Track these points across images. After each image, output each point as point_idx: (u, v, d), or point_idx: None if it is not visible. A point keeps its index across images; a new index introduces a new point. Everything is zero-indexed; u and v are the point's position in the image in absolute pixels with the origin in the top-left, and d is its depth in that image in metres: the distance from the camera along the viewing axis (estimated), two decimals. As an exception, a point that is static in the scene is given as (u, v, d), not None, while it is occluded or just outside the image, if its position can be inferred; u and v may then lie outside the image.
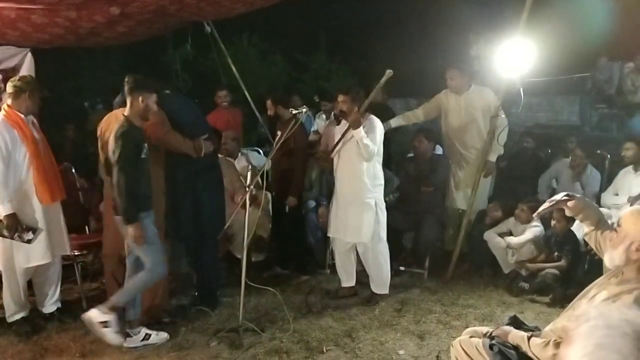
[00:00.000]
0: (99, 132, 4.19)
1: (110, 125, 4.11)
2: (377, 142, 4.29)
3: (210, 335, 3.91)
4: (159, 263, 3.67)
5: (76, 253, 4.47)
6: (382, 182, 4.47)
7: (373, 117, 4.38)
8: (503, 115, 4.98)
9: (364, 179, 4.32)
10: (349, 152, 4.35)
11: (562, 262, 4.64)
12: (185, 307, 4.43)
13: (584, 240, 2.95)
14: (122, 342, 3.64)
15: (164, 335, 3.84)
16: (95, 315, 3.51)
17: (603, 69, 8.96)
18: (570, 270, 4.64)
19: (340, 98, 4.34)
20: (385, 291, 4.55)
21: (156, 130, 3.98)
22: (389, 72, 4.26)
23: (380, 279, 4.54)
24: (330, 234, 4.63)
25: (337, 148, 4.41)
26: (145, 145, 3.65)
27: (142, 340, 3.74)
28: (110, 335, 3.53)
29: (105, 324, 3.51)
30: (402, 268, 5.18)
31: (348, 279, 4.66)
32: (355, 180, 4.35)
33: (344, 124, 4.36)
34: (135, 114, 3.63)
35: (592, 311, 1.93)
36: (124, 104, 4.12)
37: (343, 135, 4.36)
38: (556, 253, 4.73)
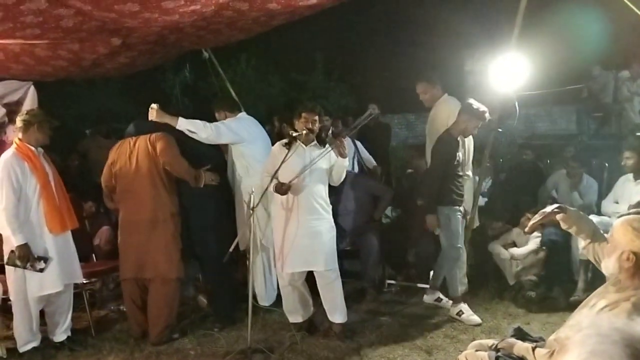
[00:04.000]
0: (109, 161, 4.29)
1: (122, 154, 4.22)
2: None
3: (219, 358, 3.92)
4: (452, 247, 4.45)
5: (84, 281, 4.51)
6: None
7: None
8: (500, 130, 5.03)
9: (320, 201, 4.10)
10: (312, 180, 4.06)
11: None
12: (195, 329, 4.45)
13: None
14: (479, 321, 4.37)
15: (474, 318, 4.40)
16: (453, 311, 4.47)
17: (597, 78, 9.06)
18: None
19: (312, 116, 4.11)
20: (344, 319, 4.18)
21: (165, 153, 4.16)
22: (372, 110, 4.06)
23: (339, 306, 4.16)
24: (288, 269, 4.09)
25: (300, 176, 4.00)
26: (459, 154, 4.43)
27: (457, 314, 4.45)
28: (468, 318, 4.38)
29: (459, 313, 4.42)
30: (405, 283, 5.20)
31: (309, 310, 4.37)
32: (315, 205, 4.08)
33: (302, 150, 4.09)
34: (456, 130, 4.44)
35: (584, 321, 2.02)
36: (137, 133, 4.23)
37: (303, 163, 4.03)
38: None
